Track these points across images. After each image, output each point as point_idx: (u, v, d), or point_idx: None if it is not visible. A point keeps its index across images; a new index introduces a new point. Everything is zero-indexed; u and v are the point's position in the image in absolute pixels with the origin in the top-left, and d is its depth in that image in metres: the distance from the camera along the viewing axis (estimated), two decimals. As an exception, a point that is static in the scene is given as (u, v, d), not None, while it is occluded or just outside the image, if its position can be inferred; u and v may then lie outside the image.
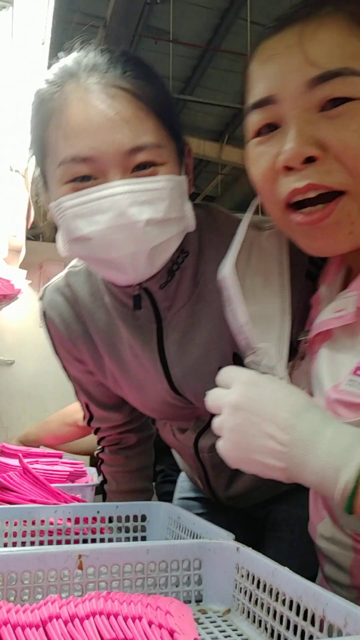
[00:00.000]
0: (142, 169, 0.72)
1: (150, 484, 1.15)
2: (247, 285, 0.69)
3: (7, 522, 0.86)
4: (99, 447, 1.13)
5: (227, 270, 0.68)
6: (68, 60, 0.77)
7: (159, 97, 0.75)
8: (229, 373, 0.64)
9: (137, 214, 0.71)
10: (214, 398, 0.64)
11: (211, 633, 0.60)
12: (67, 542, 0.88)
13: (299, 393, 0.60)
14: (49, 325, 0.98)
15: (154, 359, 0.88)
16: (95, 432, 1.10)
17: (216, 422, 0.63)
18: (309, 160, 0.58)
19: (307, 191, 0.59)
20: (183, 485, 1.21)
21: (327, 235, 0.61)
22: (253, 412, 0.59)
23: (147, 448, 1.13)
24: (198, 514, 0.98)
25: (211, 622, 0.62)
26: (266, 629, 0.57)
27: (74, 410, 1.75)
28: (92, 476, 1.27)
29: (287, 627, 0.54)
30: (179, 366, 0.87)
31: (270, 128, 0.62)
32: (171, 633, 0.51)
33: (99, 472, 1.14)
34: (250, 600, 0.61)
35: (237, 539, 0.69)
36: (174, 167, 0.75)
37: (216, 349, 0.85)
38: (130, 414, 1.06)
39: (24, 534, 0.87)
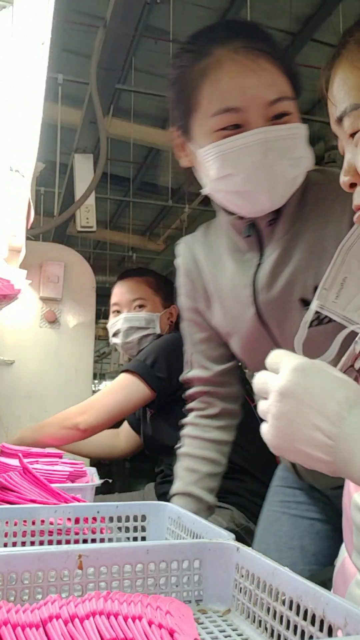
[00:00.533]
0: (278, 117, 0.89)
1: (224, 459, 1.22)
2: None
3: (7, 522, 0.86)
4: (186, 415, 1.25)
5: None
6: (208, 30, 0.95)
7: (286, 58, 0.94)
8: (279, 357, 0.62)
9: (279, 154, 0.89)
10: (261, 381, 0.62)
11: (211, 633, 0.60)
12: (67, 542, 0.88)
13: (352, 385, 0.58)
14: (179, 268, 1.19)
15: (248, 286, 1.03)
16: (186, 389, 1.25)
17: (262, 406, 0.61)
18: (354, 185, 0.70)
19: (357, 211, 0.71)
20: (280, 474, 1.28)
21: None
22: (301, 401, 0.57)
23: (229, 426, 1.23)
24: (286, 502, 1.15)
25: (211, 622, 0.62)
26: (266, 629, 0.57)
27: (75, 413, 1.74)
28: (92, 476, 1.27)
29: (287, 627, 0.54)
30: (265, 293, 1.01)
31: None
32: (171, 633, 0.51)
33: (180, 438, 1.25)
34: (250, 600, 0.61)
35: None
36: (298, 116, 0.92)
37: (299, 281, 0.97)
38: (224, 375, 1.20)
39: (24, 534, 0.87)
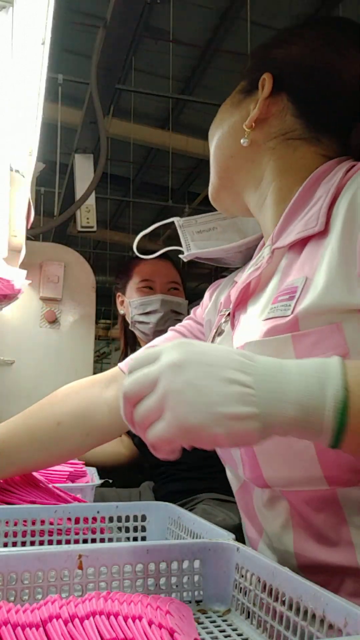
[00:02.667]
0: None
1: None
2: None
3: (7, 522, 0.86)
4: None
5: None
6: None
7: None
8: (148, 350, 0.55)
9: None
10: (139, 378, 0.53)
11: (211, 633, 0.60)
12: (67, 542, 0.88)
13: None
14: None
15: None
16: None
17: (155, 395, 0.51)
18: None
19: None
20: None
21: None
22: (202, 363, 0.51)
23: None
24: None
25: (211, 622, 0.62)
26: (266, 629, 0.57)
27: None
28: (92, 476, 1.27)
29: (287, 627, 0.54)
30: None
31: None
32: (171, 633, 0.51)
33: None
34: (250, 600, 0.61)
35: None
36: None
37: None
38: None
39: (24, 534, 0.87)
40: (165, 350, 0.54)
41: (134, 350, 1.97)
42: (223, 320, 0.86)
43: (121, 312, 1.91)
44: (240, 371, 0.51)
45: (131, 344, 1.96)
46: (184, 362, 0.51)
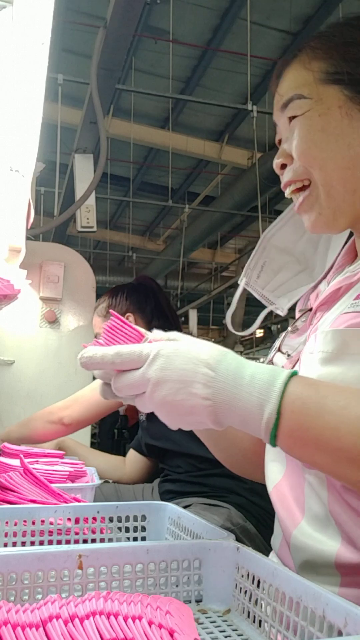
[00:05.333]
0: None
1: None
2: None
3: (7, 522, 0.86)
4: None
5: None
6: None
7: None
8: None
9: None
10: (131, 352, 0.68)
11: (211, 633, 0.60)
12: (67, 542, 0.88)
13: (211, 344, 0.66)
14: None
15: None
16: None
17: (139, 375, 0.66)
18: (285, 166, 0.81)
19: (286, 187, 0.81)
20: None
21: (307, 218, 0.81)
22: (177, 355, 0.63)
23: None
24: None
25: (211, 622, 0.62)
26: (266, 629, 0.57)
27: (60, 408, 1.77)
28: (92, 476, 1.27)
29: (287, 627, 0.54)
30: None
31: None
32: (171, 633, 0.51)
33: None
34: (250, 600, 0.61)
35: None
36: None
37: None
38: None
39: (24, 534, 0.87)
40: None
41: None
42: (301, 318, 0.89)
43: None
44: (204, 385, 0.62)
45: None
46: (162, 353, 0.64)
